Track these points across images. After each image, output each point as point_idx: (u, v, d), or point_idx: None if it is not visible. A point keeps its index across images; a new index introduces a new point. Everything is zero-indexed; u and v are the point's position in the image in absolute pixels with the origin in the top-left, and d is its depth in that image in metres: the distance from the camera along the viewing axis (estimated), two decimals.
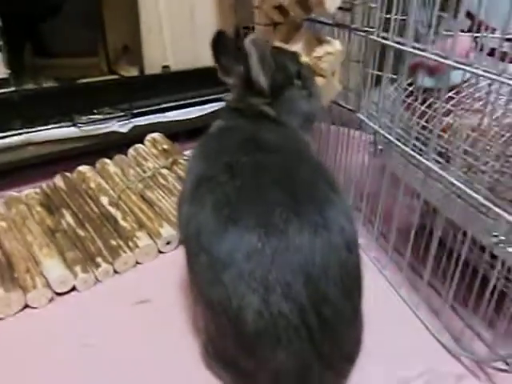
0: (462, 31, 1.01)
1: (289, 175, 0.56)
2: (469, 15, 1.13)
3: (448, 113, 0.78)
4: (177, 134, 1.32)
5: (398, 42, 0.78)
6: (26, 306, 0.77)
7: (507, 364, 0.63)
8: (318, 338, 0.50)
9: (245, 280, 0.49)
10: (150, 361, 0.68)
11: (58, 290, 0.80)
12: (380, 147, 0.93)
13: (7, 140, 1.04)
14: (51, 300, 0.79)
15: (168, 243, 0.93)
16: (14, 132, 1.05)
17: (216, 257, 0.51)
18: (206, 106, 1.33)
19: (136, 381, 0.66)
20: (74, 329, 0.74)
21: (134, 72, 1.33)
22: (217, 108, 1.34)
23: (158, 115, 1.26)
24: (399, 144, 0.80)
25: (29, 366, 0.67)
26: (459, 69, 0.63)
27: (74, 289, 0.82)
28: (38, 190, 1.05)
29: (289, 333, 0.49)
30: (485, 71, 0.59)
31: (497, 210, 0.59)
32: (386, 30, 0.83)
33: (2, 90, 1.01)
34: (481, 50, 0.74)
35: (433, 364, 0.66)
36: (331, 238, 0.51)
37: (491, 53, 0.66)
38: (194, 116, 1.31)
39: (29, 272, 0.80)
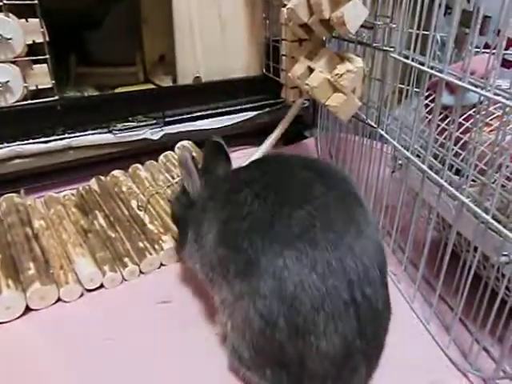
0: (488, 47, 1.02)
1: None
2: (498, 32, 1.13)
3: (466, 131, 0.80)
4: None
5: (418, 61, 0.80)
6: (59, 300, 0.83)
7: None
8: (363, 315, 0.56)
9: (303, 261, 0.55)
10: (165, 358, 0.73)
11: (88, 287, 0.86)
12: (400, 162, 0.94)
13: (50, 144, 1.12)
14: (81, 295, 0.85)
15: None
16: (56, 137, 1.13)
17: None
18: (234, 116, 1.38)
19: (150, 374, 0.70)
20: (100, 323, 0.80)
21: (167, 81, 1.40)
22: (245, 118, 1.40)
23: (188, 124, 1.32)
24: (416, 161, 0.81)
25: (57, 353, 0.73)
26: (472, 91, 0.64)
27: (102, 286, 0.88)
28: (74, 192, 1.13)
29: (340, 308, 0.54)
30: (495, 94, 0.60)
31: (505, 231, 0.60)
32: (409, 48, 0.85)
33: (47, 99, 1.09)
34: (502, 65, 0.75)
35: (439, 378, 0.67)
36: (372, 232, 0.62)
37: None
38: (222, 125, 1.36)
39: (63, 268, 0.86)
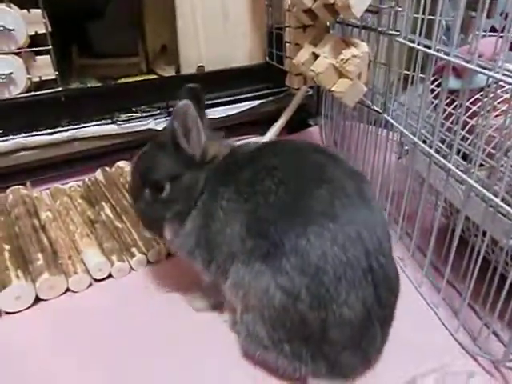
0: (495, 31, 1.00)
1: None
2: (502, 14, 1.11)
3: (474, 114, 0.79)
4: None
5: (424, 45, 0.79)
6: (68, 290, 0.84)
7: None
8: (379, 282, 0.60)
9: (325, 235, 0.59)
10: (176, 345, 0.74)
11: (96, 277, 0.87)
12: (406, 148, 0.94)
13: (55, 136, 1.12)
14: (90, 285, 0.86)
15: None
16: (61, 129, 1.13)
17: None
18: (238, 105, 1.38)
19: (160, 361, 0.71)
20: (109, 311, 0.80)
21: (170, 72, 1.40)
22: (248, 107, 1.39)
23: None
24: (423, 145, 0.81)
25: (67, 342, 0.74)
26: (480, 73, 0.64)
27: (110, 276, 0.88)
28: (80, 183, 1.13)
29: (360, 276, 0.58)
30: (505, 75, 0.60)
31: None
32: (414, 32, 0.84)
33: (51, 90, 1.09)
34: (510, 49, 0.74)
35: (447, 361, 0.67)
36: (378, 206, 0.67)
37: None
38: (226, 114, 1.36)
39: (71, 259, 0.87)
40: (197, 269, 0.75)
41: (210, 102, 1.34)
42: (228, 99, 1.36)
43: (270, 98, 1.43)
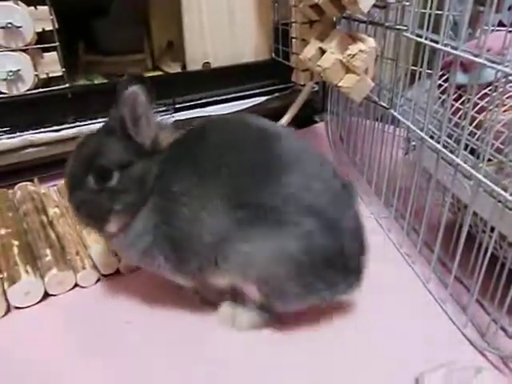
0: (503, 25, 1.00)
1: None
2: (510, 9, 1.11)
3: (481, 109, 0.79)
4: None
5: (431, 40, 0.79)
6: (76, 285, 0.85)
7: None
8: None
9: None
10: (183, 338, 0.74)
11: (104, 272, 0.87)
12: (413, 143, 0.94)
13: (62, 133, 1.13)
14: (98, 280, 0.86)
15: None
16: (67, 125, 1.14)
17: None
18: (244, 101, 1.38)
19: (172, 356, 0.71)
20: (117, 307, 0.81)
21: (176, 68, 1.40)
22: (254, 103, 1.39)
23: (198, 110, 1.31)
24: (430, 141, 0.80)
25: (77, 337, 0.75)
26: (489, 67, 0.63)
27: (118, 272, 0.89)
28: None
29: (341, 194, 0.70)
30: None
31: None
32: (421, 27, 0.84)
33: (58, 87, 1.10)
34: None
35: (455, 356, 0.67)
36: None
37: None
38: (233, 111, 1.36)
39: (79, 254, 0.87)
40: (153, 270, 0.72)
41: (216, 98, 1.35)
42: (234, 96, 1.36)
43: (276, 95, 1.43)
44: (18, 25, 0.97)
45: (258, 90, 1.40)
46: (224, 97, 1.35)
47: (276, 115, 1.32)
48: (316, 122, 1.60)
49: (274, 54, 1.37)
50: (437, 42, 0.76)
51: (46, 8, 1.02)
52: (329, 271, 0.68)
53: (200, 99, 1.33)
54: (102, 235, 0.75)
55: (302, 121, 1.51)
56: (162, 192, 0.67)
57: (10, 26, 0.96)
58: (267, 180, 0.64)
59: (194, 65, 1.31)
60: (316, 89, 1.50)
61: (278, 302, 0.70)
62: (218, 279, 0.70)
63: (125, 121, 0.65)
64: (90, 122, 1.17)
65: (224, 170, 0.64)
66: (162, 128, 0.71)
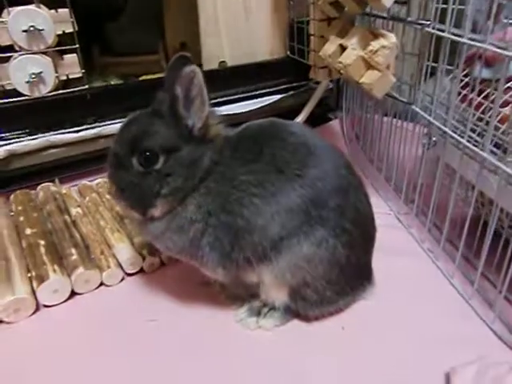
0: None
1: None
2: None
3: (506, 103, 0.78)
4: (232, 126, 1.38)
5: (454, 34, 0.79)
6: (101, 284, 0.85)
7: None
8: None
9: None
10: (208, 337, 0.74)
11: (129, 271, 0.88)
12: (434, 139, 0.93)
13: (82, 133, 1.14)
14: (122, 279, 0.87)
15: None
16: (87, 126, 1.14)
17: None
18: (259, 100, 1.38)
19: (195, 353, 0.72)
20: (142, 306, 0.81)
21: None
22: (270, 102, 1.39)
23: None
24: (454, 135, 0.80)
25: (103, 335, 0.75)
26: None
27: (142, 270, 0.89)
28: (107, 180, 1.14)
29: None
30: None
31: None
32: (442, 22, 0.84)
33: (78, 88, 1.10)
34: None
35: (485, 352, 0.67)
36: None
37: None
38: (248, 109, 1.36)
39: (103, 254, 0.88)
40: (190, 261, 0.71)
41: (232, 97, 1.35)
42: (249, 94, 1.36)
43: (291, 93, 1.43)
44: (40, 28, 0.98)
45: (273, 89, 1.39)
46: (240, 95, 1.35)
47: (291, 113, 1.32)
48: (330, 120, 1.60)
49: (289, 52, 1.37)
50: (459, 37, 0.76)
51: (66, 11, 1.03)
52: (355, 276, 0.74)
53: (216, 98, 1.33)
54: (138, 222, 0.72)
55: (317, 118, 1.51)
56: (224, 179, 0.66)
57: (32, 29, 0.97)
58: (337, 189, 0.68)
59: (209, 64, 1.31)
60: (331, 86, 1.50)
61: (308, 306, 0.71)
62: (254, 276, 0.70)
63: (177, 101, 0.62)
64: (109, 122, 1.17)
65: (307, 171, 0.66)
66: (211, 114, 0.68)
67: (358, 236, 0.70)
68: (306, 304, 0.71)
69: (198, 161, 0.65)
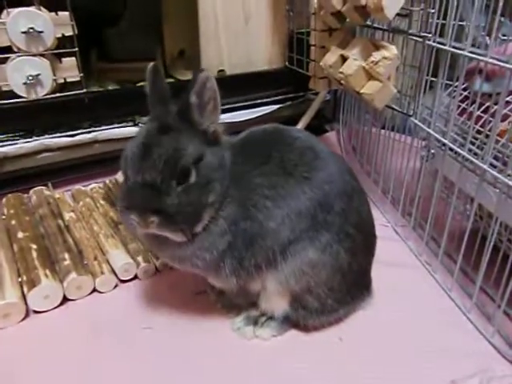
0: None
1: None
2: None
3: (505, 117, 0.79)
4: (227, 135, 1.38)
5: (455, 47, 0.79)
6: (94, 290, 0.83)
7: None
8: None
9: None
10: (202, 345, 0.73)
11: (122, 278, 0.86)
12: (433, 151, 0.93)
13: (77, 138, 1.12)
14: (116, 286, 0.85)
15: None
16: (83, 130, 1.13)
17: None
18: (256, 109, 1.37)
19: (191, 362, 0.70)
20: (136, 313, 0.80)
21: (188, 76, 1.40)
22: (267, 111, 1.39)
23: None
24: (454, 147, 0.80)
25: (95, 342, 0.73)
26: None
27: (136, 277, 0.87)
28: (101, 185, 1.13)
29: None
30: None
31: None
32: (442, 36, 0.85)
33: (76, 92, 1.09)
34: None
35: (485, 365, 0.66)
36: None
37: None
38: (245, 119, 1.35)
39: (96, 259, 0.86)
40: (204, 274, 0.70)
41: (230, 106, 1.35)
42: (247, 103, 1.36)
43: (289, 103, 1.43)
44: (40, 30, 0.97)
45: (271, 98, 1.40)
46: (237, 104, 1.35)
47: (288, 123, 1.32)
48: (327, 131, 1.61)
49: (287, 63, 1.37)
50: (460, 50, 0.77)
51: (66, 14, 1.02)
52: (356, 284, 0.74)
53: None
54: (158, 247, 0.68)
55: (313, 130, 1.50)
56: (242, 182, 0.65)
57: (31, 30, 0.96)
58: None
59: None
60: (328, 98, 1.50)
61: (308, 315, 0.71)
62: (258, 284, 0.70)
63: (191, 109, 0.61)
64: (105, 127, 1.16)
65: (315, 174, 0.67)
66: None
67: (360, 242, 0.71)
68: (307, 313, 0.70)
69: (222, 162, 0.65)
